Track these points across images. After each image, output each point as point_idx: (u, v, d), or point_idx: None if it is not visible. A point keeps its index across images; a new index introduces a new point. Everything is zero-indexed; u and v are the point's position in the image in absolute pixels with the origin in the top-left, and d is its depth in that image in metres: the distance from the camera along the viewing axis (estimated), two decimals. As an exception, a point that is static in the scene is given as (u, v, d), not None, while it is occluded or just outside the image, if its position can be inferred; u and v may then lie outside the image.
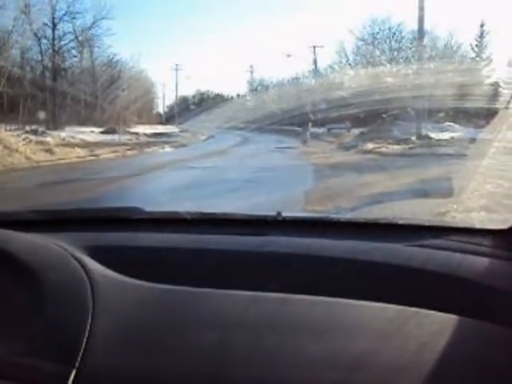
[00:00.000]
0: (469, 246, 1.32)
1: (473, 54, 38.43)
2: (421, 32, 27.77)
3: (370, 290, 1.16)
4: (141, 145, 26.92)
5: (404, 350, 0.96)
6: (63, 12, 36.86)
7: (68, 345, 1.00)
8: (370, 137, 24.72)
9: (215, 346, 1.00)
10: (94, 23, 38.45)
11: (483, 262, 1.25)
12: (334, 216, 1.58)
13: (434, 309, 1.07)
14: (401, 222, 1.50)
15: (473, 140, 15.95)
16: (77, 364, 0.96)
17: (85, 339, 1.00)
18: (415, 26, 29.14)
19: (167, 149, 25.82)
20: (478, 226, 1.48)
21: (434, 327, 1.02)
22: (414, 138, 23.37)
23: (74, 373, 0.95)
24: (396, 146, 21.63)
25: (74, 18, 37.66)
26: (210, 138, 33.84)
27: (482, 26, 38.06)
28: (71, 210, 1.80)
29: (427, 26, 31.24)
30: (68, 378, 0.94)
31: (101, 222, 1.59)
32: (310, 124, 28.00)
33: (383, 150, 20.99)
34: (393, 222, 1.52)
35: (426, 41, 32.61)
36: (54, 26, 36.52)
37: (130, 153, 22.66)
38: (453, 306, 1.08)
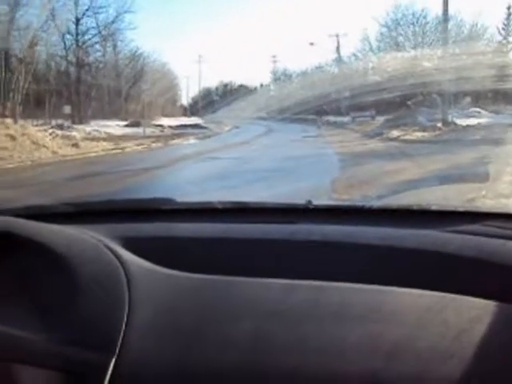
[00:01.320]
0: (506, 232, 1.29)
1: (499, 38, 37.82)
2: (445, 15, 27.39)
3: (406, 276, 1.15)
4: (165, 137, 27.05)
5: (443, 336, 0.95)
6: (86, 7, 37.27)
7: (106, 334, 1.01)
8: (395, 124, 24.48)
9: (252, 335, 1.00)
10: (116, 17, 38.81)
11: None
12: (365, 203, 1.56)
13: (471, 295, 1.05)
14: (434, 207, 1.48)
15: (511, 125, 15.65)
16: (116, 353, 0.97)
17: (123, 329, 1.01)
18: (439, 11, 28.80)
19: (192, 140, 25.90)
20: None
21: (473, 313, 1.00)
22: (439, 125, 23.11)
23: (113, 361, 0.96)
24: (422, 133, 21.41)
25: (96, 12, 38.13)
26: (235, 129, 33.83)
27: (508, 8, 37.43)
28: (103, 202, 1.81)
29: (451, 11, 30.85)
30: (108, 367, 0.95)
31: (133, 213, 1.60)
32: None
33: (409, 137, 20.79)
34: (426, 208, 1.49)
35: (450, 25, 32.25)
36: (78, 21, 36.90)
37: (154, 145, 22.78)
38: (491, 292, 1.06)
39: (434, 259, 1.21)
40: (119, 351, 0.98)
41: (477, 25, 38.75)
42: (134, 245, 1.29)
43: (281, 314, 1.04)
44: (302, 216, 1.51)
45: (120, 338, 1.00)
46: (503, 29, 37.75)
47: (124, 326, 1.02)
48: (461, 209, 1.49)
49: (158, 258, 1.22)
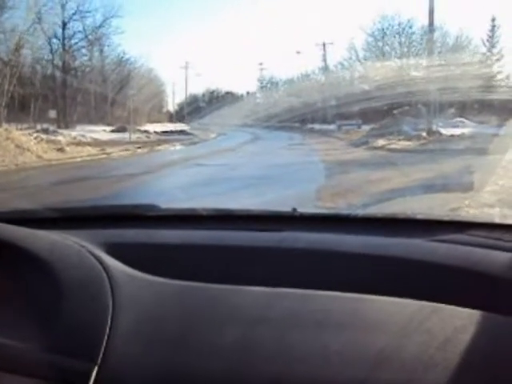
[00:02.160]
0: (490, 241, 1.30)
1: (484, 49, 38.19)
2: (431, 25, 27.66)
3: (390, 285, 1.15)
4: (151, 143, 26.94)
5: (427, 345, 0.95)
6: (73, 11, 37.07)
7: (89, 342, 1.00)
8: (381, 133, 24.58)
9: (237, 343, 0.99)
10: (103, 22, 38.64)
11: (505, 256, 1.23)
12: (351, 212, 1.56)
13: (456, 304, 1.05)
14: (419, 216, 1.49)
15: (494, 135, 15.86)
16: (99, 361, 0.96)
17: (106, 336, 1.00)
18: (425, 22, 29.09)
19: (178, 147, 25.82)
20: (497, 220, 1.46)
21: (457, 323, 1.00)
22: (424, 134, 23.27)
23: (96, 369, 0.95)
24: (407, 143, 21.54)
25: (83, 16, 37.91)
26: (221, 136, 33.80)
27: (493, 19, 37.81)
28: (87, 208, 1.80)
29: (437, 22, 31.16)
30: (90, 375, 0.94)
31: (117, 220, 1.59)
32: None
33: (394, 146, 20.91)
34: (411, 217, 1.50)
35: (436, 36, 32.61)
36: (64, 25, 36.71)
37: (140, 151, 22.67)
38: (475, 301, 1.06)
39: (419, 268, 1.21)
40: (102, 358, 0.97)
41: (462, 36, 39.18)
42: (118, 251, 1.28)
43: (265, 321, 1.03)
44: (288, 224, 1.51)
45: (103, 345, 0.99)
46: (488, 40, 38.12)
47: (107, 332, 1.01)
48: (446, 218, 1.50)
49: (142, 265, 1.21)
